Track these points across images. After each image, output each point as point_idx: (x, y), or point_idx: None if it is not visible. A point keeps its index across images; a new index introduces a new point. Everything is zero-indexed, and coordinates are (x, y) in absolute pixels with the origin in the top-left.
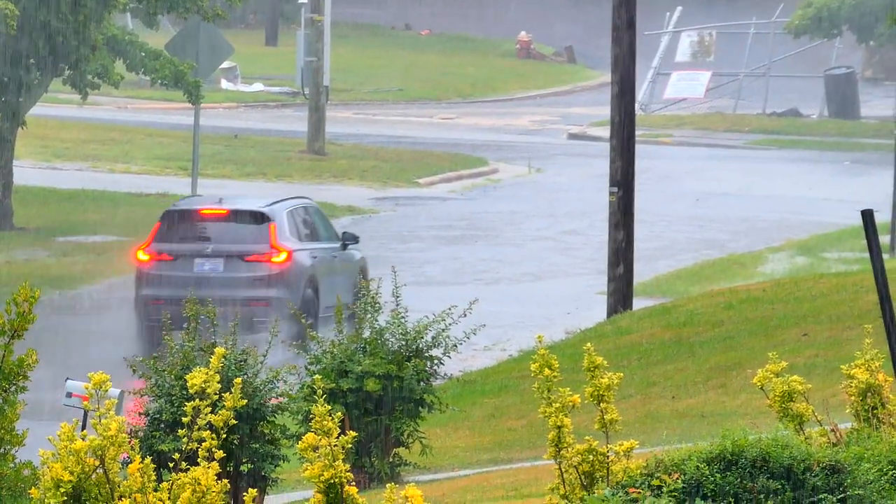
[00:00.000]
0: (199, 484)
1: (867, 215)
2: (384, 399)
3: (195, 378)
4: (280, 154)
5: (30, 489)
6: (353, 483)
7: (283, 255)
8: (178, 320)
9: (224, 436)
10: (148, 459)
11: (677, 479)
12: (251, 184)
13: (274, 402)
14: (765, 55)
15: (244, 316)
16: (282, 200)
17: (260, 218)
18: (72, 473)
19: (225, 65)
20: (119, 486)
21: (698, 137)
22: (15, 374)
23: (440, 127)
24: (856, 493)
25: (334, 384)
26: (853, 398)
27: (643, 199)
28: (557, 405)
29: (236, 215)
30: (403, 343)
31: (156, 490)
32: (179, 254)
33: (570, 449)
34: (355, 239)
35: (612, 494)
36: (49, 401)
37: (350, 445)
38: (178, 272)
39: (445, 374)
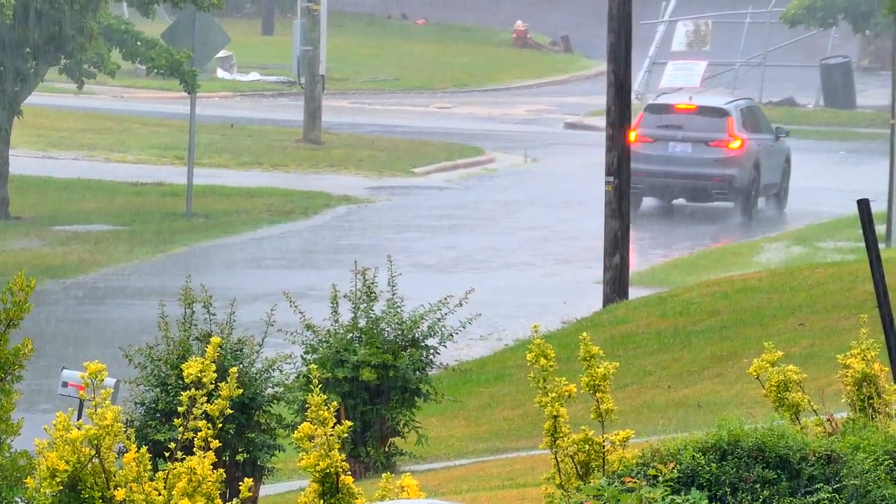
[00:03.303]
0: (195, 473)
1: (863, 205)
2: (380, 388)
3: (191, 367)
4: (276, 143)
5: (25, 479)
6: (349, 472)
7: (738, 143)
8: (653, 189)
9: (220, 425)
10: (144, 449)
11: (673, 468)
12: (247, 173)
13: (270, 391)
14: (761, 45)
15: (705, 189)
16: (736, 100)
17: (720, 113)
18: (67, 463)
19: (221, 54)
20: (115, 476)
21: None
22: (10, 363)
23: (436, 116)
24: (851, 482)
25: (330, 374)
26: (849, 388)
27: None
28: (553, 395)
29: (702, 110)
30: (399, 332)
31: (152, 479)
32: (657, 137)
33: (566, 438)
34: (786, 133)
35: (608, 484)
36: (45, 390)
37: (346, 435)
38: (655, 151)
39: (441, 364)
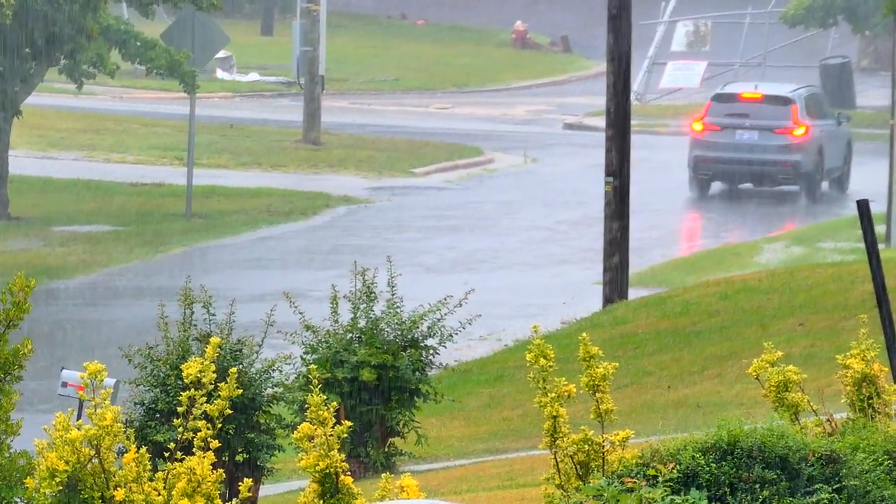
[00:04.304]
0: (195, 473)
1: (863, 205)
2: (380, 389)
3: (191, 368)
4: (276, 144)
5: (25, 479)
6: (349, 472)
7: (803, 129)
8: (721, 175)
9: (220, 425)
10: (143, 449)
11: (672, 468)
12: (247, 174)
13: (270, 391)
14: (760, 45)
15: (771, 174)
16: (799, 88)
17: (785, 101)
18: (67, 463)
19: (220, 54)
20: (114, 476)
21: None
22: (10, 363)
23: (436, 117)
24: (851, 483)
25: (330, 374)
26: (848, 388)
27: (639, 188)
28: (553, 395)
29: (767, 98)
30: (399, 333)
31: (151, 480)
32: (725, 125)
33: (565, 439)
34: (848, 118)
35: (608, 484)
36: (44, 390)
37: (345, 435)
38: (723, 139)
39: (441, 364)
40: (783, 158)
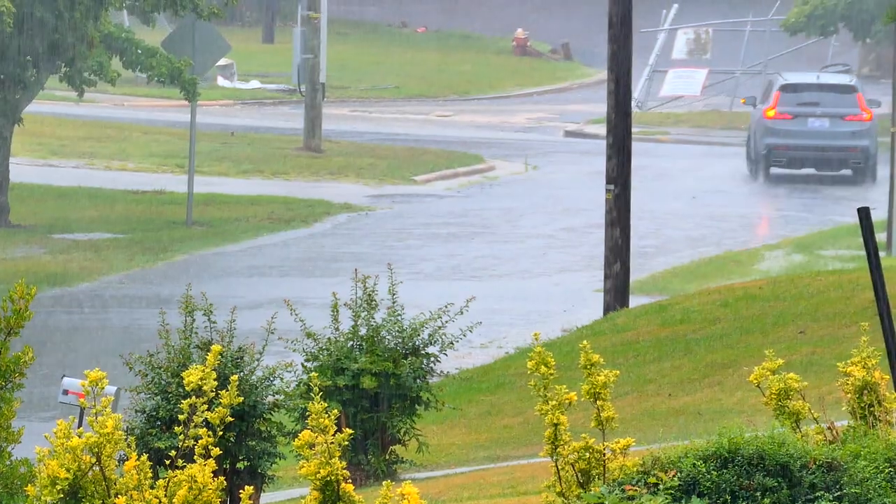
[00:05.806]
0: (196, 481)
1: (864, 213)
2: (381, 396)
3: (192, 375)
4: (276, 151)
5: (26, 486)
6: (350, 480)
7: (868, 115)
8: (792, 162)
9: (220, 433)
10: (144, 457)
11: (673, 476)
12: (247, 181)
13: (270, 399)
14: (761, 52)
15: (843, 159)
16: (854, 76)
17: (851, 89)
18: (68, 471)
19: (221, 62)
20: (115, 484)
21: (695, 135)
22: (11, 371)
23: (436, 124)
24: (852, 490)
25: (331, 381)
26: (849, 396)
27: (640, 196)
28: (554, 403)
29: (834, 87)
30: (400, 340)
31: (152, 487)
32: (796, 114)
33: (566, 446)
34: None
35: (609, 492)
36: (46, 398)
37: (346, 443)
38: (795, 127)
39: (442, 372)
40: (853, 144)
